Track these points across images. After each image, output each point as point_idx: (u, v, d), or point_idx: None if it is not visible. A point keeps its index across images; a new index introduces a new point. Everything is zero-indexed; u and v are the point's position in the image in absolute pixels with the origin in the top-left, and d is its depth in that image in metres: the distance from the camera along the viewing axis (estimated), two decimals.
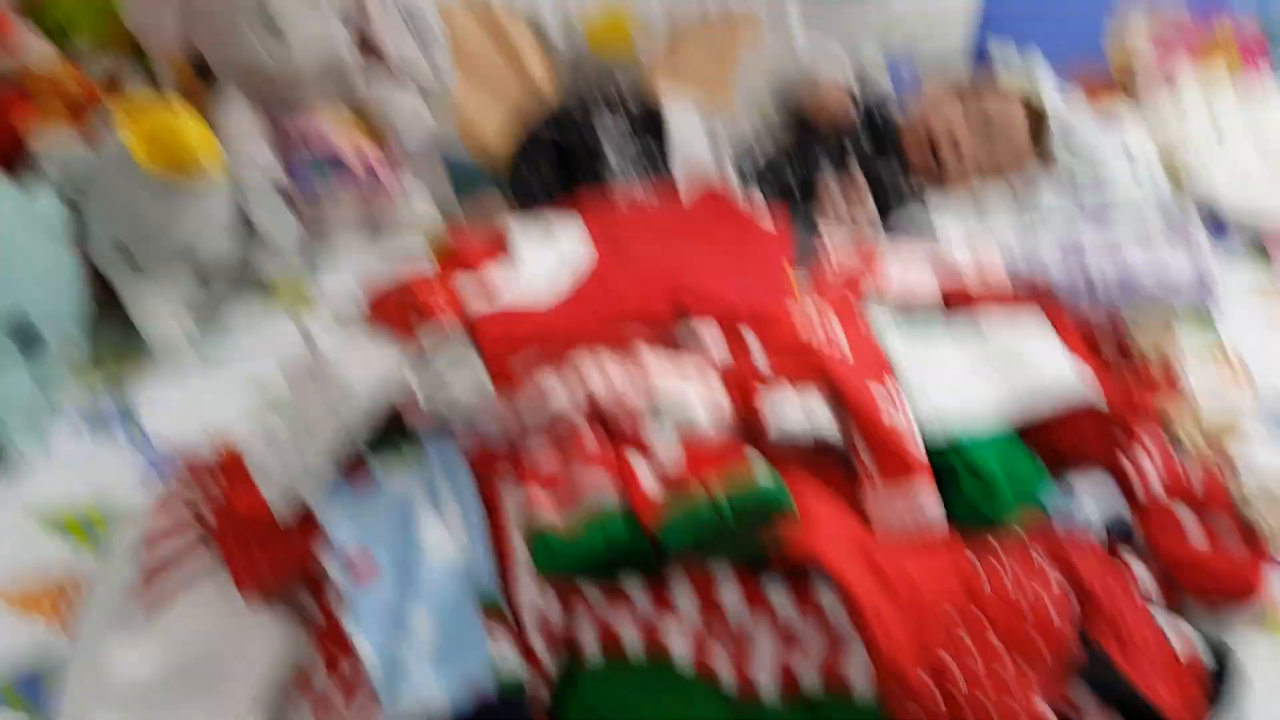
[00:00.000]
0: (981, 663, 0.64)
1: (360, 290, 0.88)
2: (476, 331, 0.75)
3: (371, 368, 0.78)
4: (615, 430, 0.72)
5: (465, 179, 1.47)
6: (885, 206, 1.33)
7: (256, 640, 0.77)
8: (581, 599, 0.68)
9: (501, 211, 1.34)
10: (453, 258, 0.89)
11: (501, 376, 0.72)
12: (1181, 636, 0.78)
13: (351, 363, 0.79)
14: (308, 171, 1.26)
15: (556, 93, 1.51)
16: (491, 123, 1.46)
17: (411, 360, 0.77)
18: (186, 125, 1.09)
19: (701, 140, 1.36)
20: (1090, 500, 0.80)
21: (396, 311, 0.81)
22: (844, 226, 1.23)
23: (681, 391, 0.72)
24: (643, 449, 0.69)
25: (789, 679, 0.65)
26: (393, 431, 0.80)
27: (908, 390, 0.78)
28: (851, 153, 1.38)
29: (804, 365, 0.76)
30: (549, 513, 0.67)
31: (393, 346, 0.79)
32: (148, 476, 0.96)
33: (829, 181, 1.30)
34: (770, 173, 1.37)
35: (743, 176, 1.36)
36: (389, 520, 0.74)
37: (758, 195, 1.28)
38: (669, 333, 0.78)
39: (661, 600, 0.68)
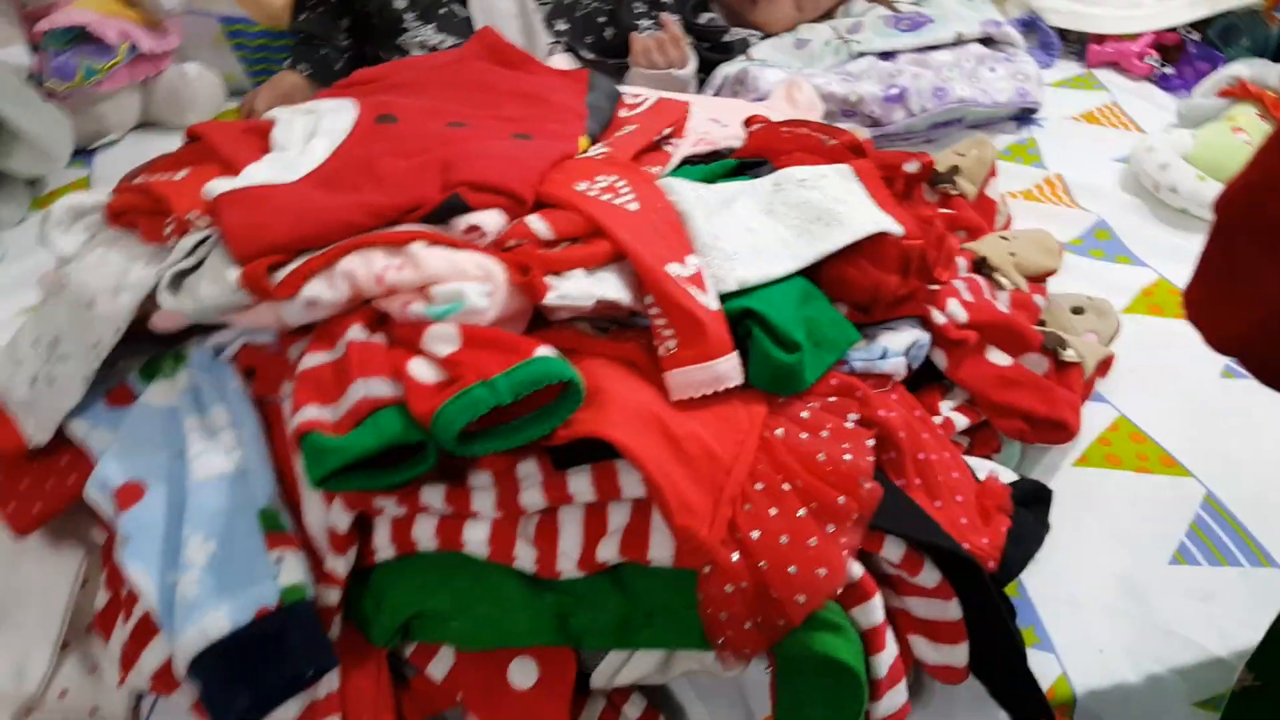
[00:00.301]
0: (779, 520, 0.63)
1: (109, 192, 0.79)
2: (229, 232, 0.68)
3: (120, 276, 0.70)
4: (389, 325, 0.67)
5: (259, 54, 1.35)
6: (708, 56, 1.27)
7: (44, 573, 0.72)
8: (374, 509, 0.65)
9: (298, 88, 1.23)
10: (211, 150, 0.80)
11: (259, 277, 0.66)
12: (991, 475, 0.79)
13: (98, 272, 0.71)
14: (59, 51, 1.13)
15: None
16: None
17: (160, 266, 0.69)
18: None
19: None
20: (897, 347, 0.79)
21: (145, 213, 0.73)
22: (658, 81, 1.17)
23: (458, 280, 0.66)
24: (418, 342, 0.65)
25: (590, 559, 0.64)
26: (158, 344, 0.74)
27: (710, 261, 0.74)
28: (668, 0, 1.31)
29: (594, 246, 0.71)
30: (317, 411, 0.62)
31: (142, 253, 0.71)
32: None
33: (644, 34, 1.23)
34: (586, 27, 1.29)
35: (556, 32, 1.28)
36: (155, 439, 0.68)
37: (571, 52, 1.21)
38: (443, 220, 0.71)
39: (461, 504, 0.64)
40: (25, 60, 1.12)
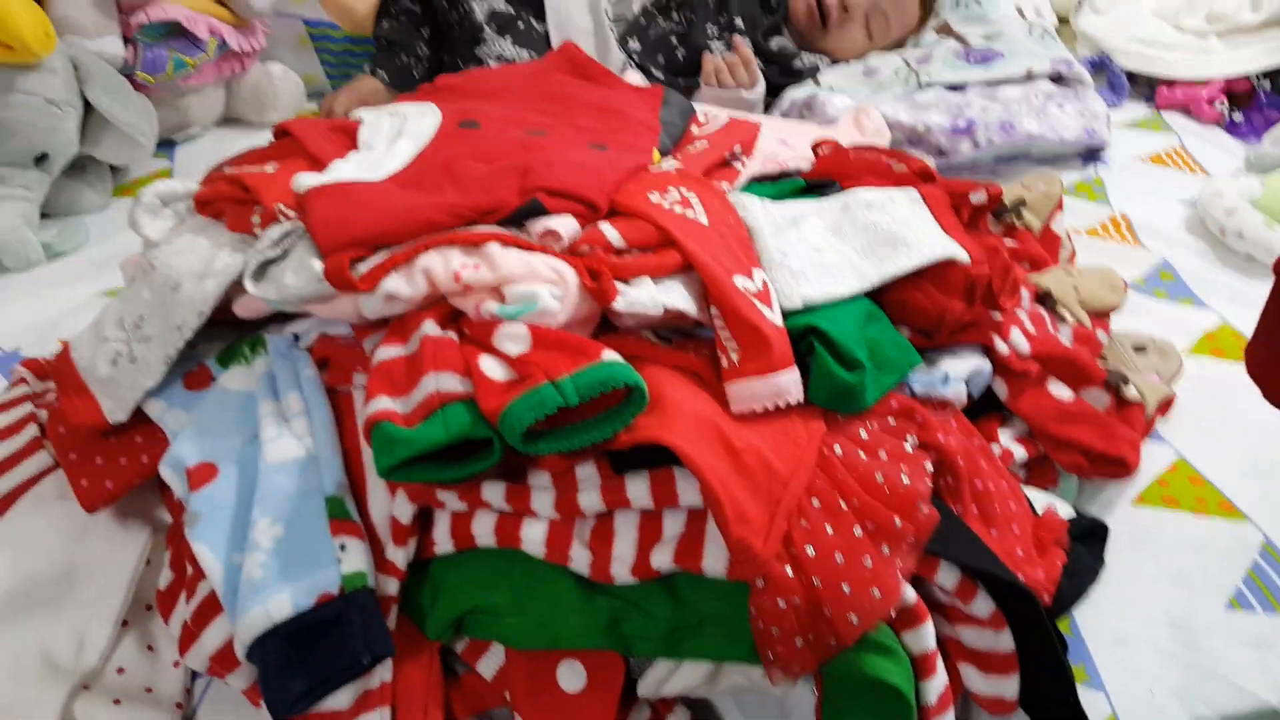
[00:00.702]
0: (835, 538, 0.63)
1: (197, 182, 0.82)
2: (316, 225, 0.70)
3: (207, 262, 0.73)
4: (462, 322, 0.68)
5: (341, 58, 1.39)
6: (777, 80, 1.28)
7: (110, 550, 0.74)
8: (436, 501, 0.66)
9: (377, 93, 1.27)
10: (298, 146, 0.82)
11: (342, 270, 0.68)
12: (1049, 509, 0.78)
13: (185, 257, 0.74)
14: (151, 45, 1.18)
15: None
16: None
17: (248, 255, 0.72)
18: (11, 5, 1.00)
19: (583, 12, 1.29)
20: (958, 374, 0.79)
21: (232, 204, 0.75)
22: (727, 101, 1.18)
23: (532, 282, 0.68)
24: (489, 340, 0.66)
25: (644, 565, 0.64)
26: (237, 330, 0.76)
27: (776, 277, 0.75)
28: (740, 23, 1.32)
29: (663, 256, 0.72)
30: (389, 403, 0.63)
31: (228, 240, 0.74)
32: None
33: (714, 54, 1.25)
34: (658, 46, 1.31)
35: (629, 50, 1.30)
36: (230, 422, 0.70)
37: (642, 70, 1.22)
38: (520, 223, 0.73)
39: (520, 503, 0.65)
40: (119, 51, 1.16)
